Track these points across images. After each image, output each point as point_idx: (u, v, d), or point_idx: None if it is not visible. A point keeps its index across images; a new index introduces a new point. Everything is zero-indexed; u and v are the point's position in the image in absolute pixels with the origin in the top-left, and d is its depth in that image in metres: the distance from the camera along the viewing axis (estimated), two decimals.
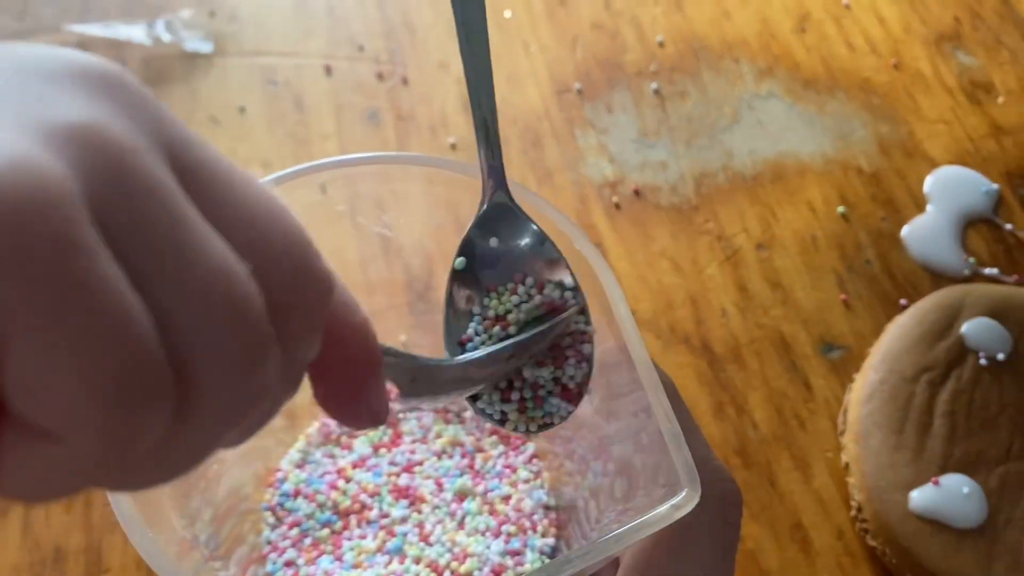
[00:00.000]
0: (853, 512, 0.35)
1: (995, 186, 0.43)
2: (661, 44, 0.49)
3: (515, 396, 0.27)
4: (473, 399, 0.27)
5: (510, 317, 0.27)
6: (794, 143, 0.45)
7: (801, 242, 0.42)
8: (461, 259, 0.28)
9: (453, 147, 0.45)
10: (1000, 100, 0.46)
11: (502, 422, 0.27)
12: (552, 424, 0.27)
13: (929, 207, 0.43)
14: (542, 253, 0.27)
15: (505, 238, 0.28)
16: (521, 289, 0.27)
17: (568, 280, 0.27)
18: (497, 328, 0.27)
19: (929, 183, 0.44)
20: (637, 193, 0.44)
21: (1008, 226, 0.43)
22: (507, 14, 0.50)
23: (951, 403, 0.36)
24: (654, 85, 0.47)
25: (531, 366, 0.27)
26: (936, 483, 0.34)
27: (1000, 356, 0.36)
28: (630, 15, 0.50)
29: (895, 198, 0.43)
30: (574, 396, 0.27)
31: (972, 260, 0.41)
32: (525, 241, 0.28)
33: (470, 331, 0.27)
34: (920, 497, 0.34)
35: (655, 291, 0.41)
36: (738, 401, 0.38)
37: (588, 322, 0.27)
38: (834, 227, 0.43)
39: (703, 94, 0.47)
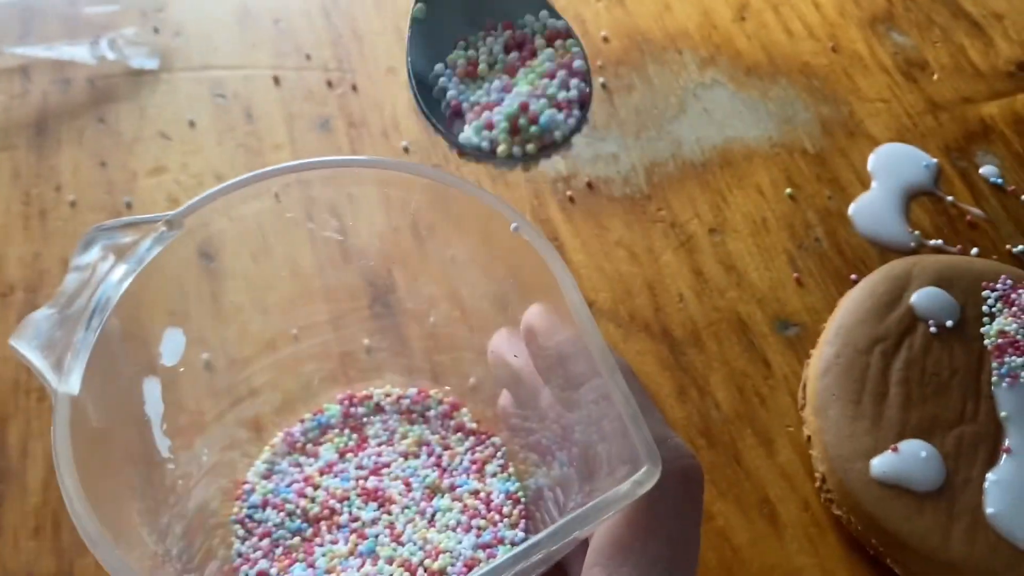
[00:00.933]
0: (817, 483, 0.36)
1: (934, 160, 0.45)
2: (606, 39, 0.49)
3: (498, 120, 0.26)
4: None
5: (479, 62, 0.26)
6: (740, 129, 0.46)
7: (752, 225, 0.43)
8: (420, 6, 0.26)
9: (406, 150, 0.45)
10: (935, 77, 0.48)
11: (493, 152, 0.26)
12: (554, 143, 0.26)
13: (873, 184, 0.44)
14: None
15: None
16: (496, 32, 0.26)
17: (546, 9, 0.26)
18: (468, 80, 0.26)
19: (872, 161, 0.45)
20: (590, 186, 0.44)
21: (949, 198, 0.44)
22: None
23: (905, 371, 0.37)
24: (601, 80, 0.48)
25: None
26: (895, 450, 0.35)
27: (949, 323, 0.38)
28: (574, 12, 0.50)
29: (840, 177, 0.45)
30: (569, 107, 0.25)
31: (917, 233, 0.43)
32: None
33: (442, 81, 0.26)
34: (881, 464, 0.35)
35: (613, 280, 0.42)
36: (699, 383, 0.39)
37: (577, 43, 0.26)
38: (783, 208, 0.44)
39: (649, 86, 0.48)
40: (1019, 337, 0.37)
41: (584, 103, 0.27)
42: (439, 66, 0.27)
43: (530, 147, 0.29)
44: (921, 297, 0.38)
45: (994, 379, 0.36)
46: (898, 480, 0.34)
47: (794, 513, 0.36)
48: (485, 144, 0.28)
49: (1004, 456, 0.35)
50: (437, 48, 0.27)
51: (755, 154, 0.45)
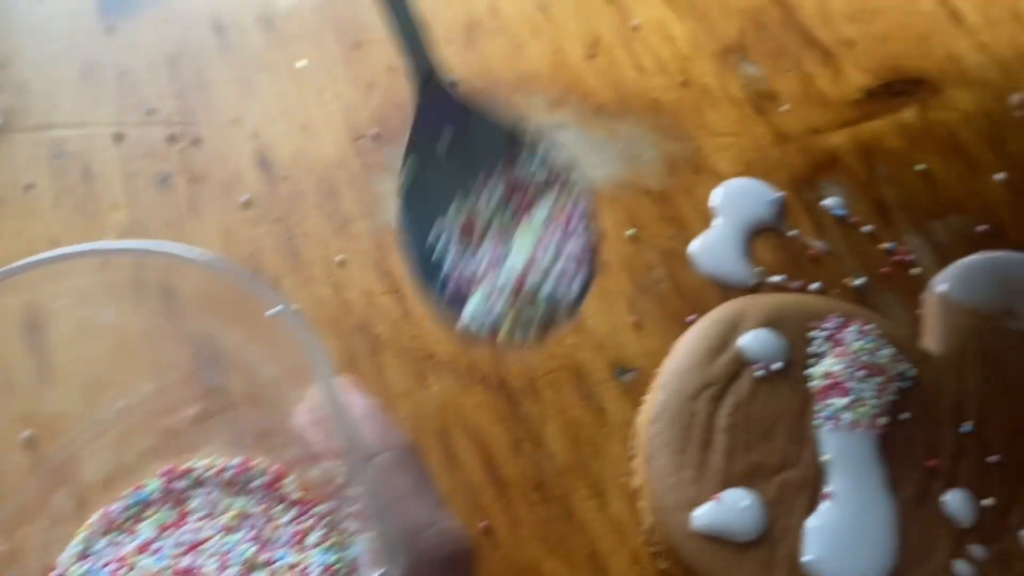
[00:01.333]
0: (644, 536, 0.36)
1: (780, 194, 0.45)
2: (454, 84, 0.49)
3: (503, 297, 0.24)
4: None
5: (477, 220, 0.25)
6: (586, 171, 0.46)
7: None
8: (409, 176, 0.24)
9: (247, 204, 0.45)
10: (784, 108, 0.48)
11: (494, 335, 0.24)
12: (555, 322, 0.23)
13: (716, 221, 0.44)
14: (496, 144, 0.23)
15: (453, 137, 0.24)
16: (492, 181, 0.24)
17: (543, 153, 0.23)
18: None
19: (715, 197, 0.45)
20: None
21: (793, 232, 0.44)
22: (301, 64, 0.49)
23: (731, 417, 0.36)
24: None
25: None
26: (717, 499, 0.35)
27: (776, 366, 0.37)
28: None
29: (683, 215, 0.44)
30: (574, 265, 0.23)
31: (759, 270, 0.42)
32: (477, 135, 0.24)
33: (440, 247, 0.24)
34: (702, 515, 0.34)
35: (453, 332, 0.41)
36: (535, 435, 0.39)
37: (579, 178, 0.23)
38: (625, 250, 0.43)
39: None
40: (841, 379, 0.37)
41: (592, 252, 0.25)
42: (435, 231, 0.25)
43: (531, 332, 0.27)
44: (749, 339, 0.38)
45: (817, 422, 0.36)
46: (719, 531, 0.34)
47: (623, 567, 0.36)
48: (484, 329, 0.26)
49: (823, 502, 0.35)
50: (432, 204, 0.25)
51: (600, 196, 0.45)
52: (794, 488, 0.35)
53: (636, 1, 0.52)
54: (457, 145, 0.25)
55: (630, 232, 0.44)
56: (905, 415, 0.36)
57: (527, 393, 0.40)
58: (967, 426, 0.36)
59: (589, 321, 0.41)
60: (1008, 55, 0.50)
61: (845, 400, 0.36)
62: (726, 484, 0.35)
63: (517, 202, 0.25)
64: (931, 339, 0.39)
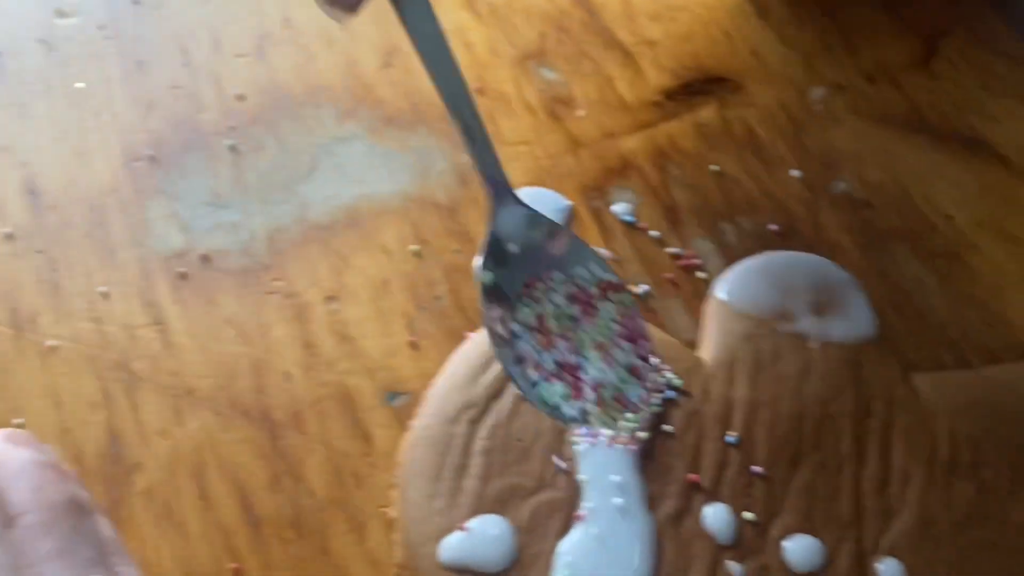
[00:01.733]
0: (395, 571, 0.34)
1: (569, 203, 0.43)
2: (241, 98, 0.47)
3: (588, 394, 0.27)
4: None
5: (550, 324, 0.27)
6: (373, 185, 0.44)
7: (373, 288, 0.41)
8: (489, 274, 0.27)
9: (8, 237, 0.42)
10: (580, 113, 0.47)
11: (586, 420, 0.27)
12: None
13: None
14: (560, 245, 0.28)
15: (521, 240, 0.27)
16: (556, 285, 0.28)
17: (596, 261, 0.27)
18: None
19: None
20: (206, 259, 0.42)
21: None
22: (79, 85, 0.47)
23: (489, 439, 0.35)
24: (229, 142, 0.45)
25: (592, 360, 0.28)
26: (465, 529, 0.33)
27: None
28: (209, 70, 0.48)
29: (471, 229, 0.43)
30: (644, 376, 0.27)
31: None
32: (541, 236, 0.28)
33: (523, 351, 0.27)
34: (449, 546, 0.33)
35: (217, 364, 0.39)
36: (295, 469, 0.37)
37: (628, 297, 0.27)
38: (407, 267, 0.42)
39: (282, 145, 0.45)
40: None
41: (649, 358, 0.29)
42: (515, 327, 0.28)
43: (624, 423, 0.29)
44: None
45: (575, 439, 0.35)
46: (466, 563, 0.33)
47: None
48: (574, 412, 0.29)
49: (576, 523, 0.33)
50: (504, 306, 0.28)
51: (386, 211, 0.43)
52: (548, 512, 0.34)
53: (437, 6, 0.50)
54: (526, 251, 0.28)
55: (413, 248, 0.42)
56: (668, 428, 0.35)
57: (291, 426, 0.38)
58: (732, 437, 0.35)
59: (363, 343, 0.40)
60: (812, 48, 0.49)
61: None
62: (477, 511, 0.33)
63: (580, 306, 0.28)
64: (706, 346, 0.38)
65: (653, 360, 0.31)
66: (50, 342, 0.40)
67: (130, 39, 0.49)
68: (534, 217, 0.29)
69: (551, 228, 0.29)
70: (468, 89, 0.28)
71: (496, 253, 0.29)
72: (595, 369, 0.29)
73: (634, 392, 0.29)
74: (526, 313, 0.30)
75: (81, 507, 0.29)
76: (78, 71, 0.48)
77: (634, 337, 0.29)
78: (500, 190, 0.29)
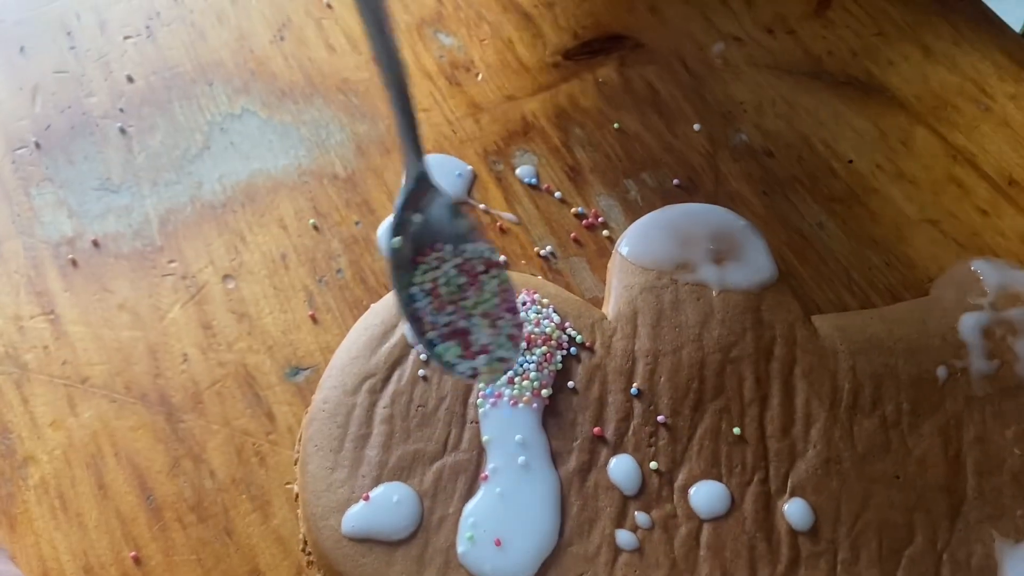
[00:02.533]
0: (301, 545, 0.33)
1: (469, 168, 0.43)
2: (130, 79, 0.45)
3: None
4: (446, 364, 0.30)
5: (441, 290, 0.31)
6: (268, 160, 0.43)
7: (271, 264, 0.40)
8: (398, 239, 0.30)
9: None
10: (479, 77, 0.46)
11: (474, 376, 0.30)
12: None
13: None
14: (455, 222, 0.31)
15: (424, 213, 0.30)
16: (447, 256, 0.31)
17: (484, 241, 0.31)
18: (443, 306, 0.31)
19: None
20: (96, 245, 0.41)
21: (482, 206, 0.42)
22: None
23: (390, 407, 0.34)
24: (119, 125, 0.44)
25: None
26: (367, 499, 0.32)
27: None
28: (97, 54, 0.46)
29: (371, 199, 0.42)
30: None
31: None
32: (441, 212, 0.31)
33: (422, 311, 0.30)
34: (351, 517, 0.32)
35: (112, 350, 0.38)
36: (195, 452, 0.36)
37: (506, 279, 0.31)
38: (305, 241, 0.41)
39: (173, 125, 0.44)
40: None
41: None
42: (414, 290, 0.31)
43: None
44: None
45: (479, 401, 0.34)
46: (369, 532, 0.32)
47: None
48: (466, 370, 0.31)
49: (482, 484, 0.33)
50: (404, 272, 0.31)
51: (281, 185, 0.42)
52: (452, 475, 0.33)
53: None
54: (425, 223, 0.31)
55: (312, 222, 0.41)
56: (572, 384, 0.35)
57: (190, 408, 0.37)
58: (635, 388, 0.35)
59: (264, 320, 0.39)
60: (710, 3, 0.49)
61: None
62: (379, 480, 0.33)
63: (467, 277, 0.31)
64: (609, 302, 0.38)
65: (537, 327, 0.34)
66: None
67: (11, 24, 0.47)
68: (439, 194, 0.31)
69: (454, 207, 0.31)
70: (404, 65, 0.30)
71: (403, 223, 0.31)
72: (482, 334, 0.31)
73: (514, 354, 0.31)
74: (422, 279, 0.31)
75: None
76: None
77: (513, 310, 0.31)
78: (414, 165, 0.30)
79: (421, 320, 0.31)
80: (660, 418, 0.34)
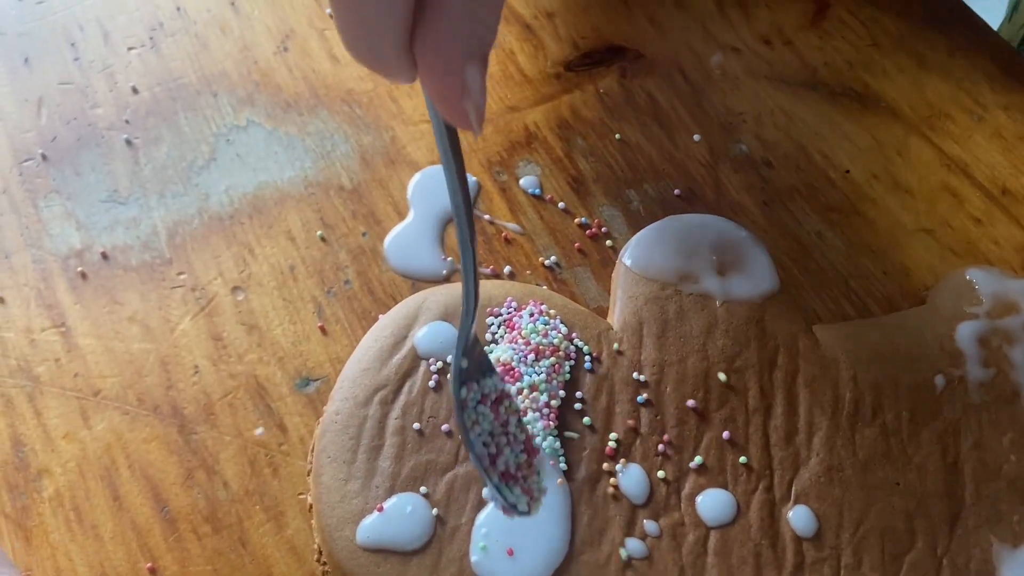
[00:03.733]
0: (316, 555, 0.34)
1: (474, 179, 0.43)
2: (135, 90, 0.46)
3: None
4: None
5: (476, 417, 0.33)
6: (274, 172, 0.44)
7: (280, 276, 0.41)
8: (464, 390, 0.32)
9: None
10: None
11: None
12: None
13: (410, 213, 0.42)
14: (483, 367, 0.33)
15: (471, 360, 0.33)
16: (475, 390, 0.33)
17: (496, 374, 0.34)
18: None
19: (410, 188, 0.43)
20: (105, 257, 0.41)
21: (486, 217, 0.42)
22: None
23: (402, 418, 0.35)
24: (125, 136, 0.44)
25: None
26: (381, 509, 0.33)
27: (449, 358, 0.36)
28: (101, 65, 0.46)
29: (377, 210, 0.43)
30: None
31: (450, 259, 0.41)
32: (475, 353, 0.33)
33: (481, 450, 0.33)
34: (366, 528, 0.33)
35: (123, 362, 0.38)
36: (209, 463, 0.36)
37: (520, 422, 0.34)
38: (313, 253, 0.41)
39: (179, 137, 0.44)
40: (512, 365, 0.35)
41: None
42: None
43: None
44: (423, 334, 0.36)
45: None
46: (383, 542, 0.32)
47: None
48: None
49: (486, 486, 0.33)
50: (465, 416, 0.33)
51: (288, 197, 0.43)
52: (463, 486, 0.34)
53: None
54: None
55: (320, 233, 0.42)
56: (579, 394, 0.35)
57: (202, 420, 0.37)
58: (641, 398, 0.36)
59: (273, 332, 0.39)
60: (708, 14, 0.50)
61: (515, 387, 0.35)
62: (392, 491, 0.33)
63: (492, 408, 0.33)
64: (614, 312, 0.38)
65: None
66: None
67: (14, 36, 0.47)
68: (476, 339, 0.33)
69: (480, 347, 0.33)
70: (472, 216, 0.31)
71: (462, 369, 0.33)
72: (502, 457, 0.33)
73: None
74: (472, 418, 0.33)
75: None
76: None
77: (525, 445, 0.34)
78: (472, 317, 0.32)
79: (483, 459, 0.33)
80: (667, 427, 0.35)
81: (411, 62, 0.25)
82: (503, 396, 0.34)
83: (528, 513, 0.32)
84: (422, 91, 0.27)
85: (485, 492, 0.33)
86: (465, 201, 0.29)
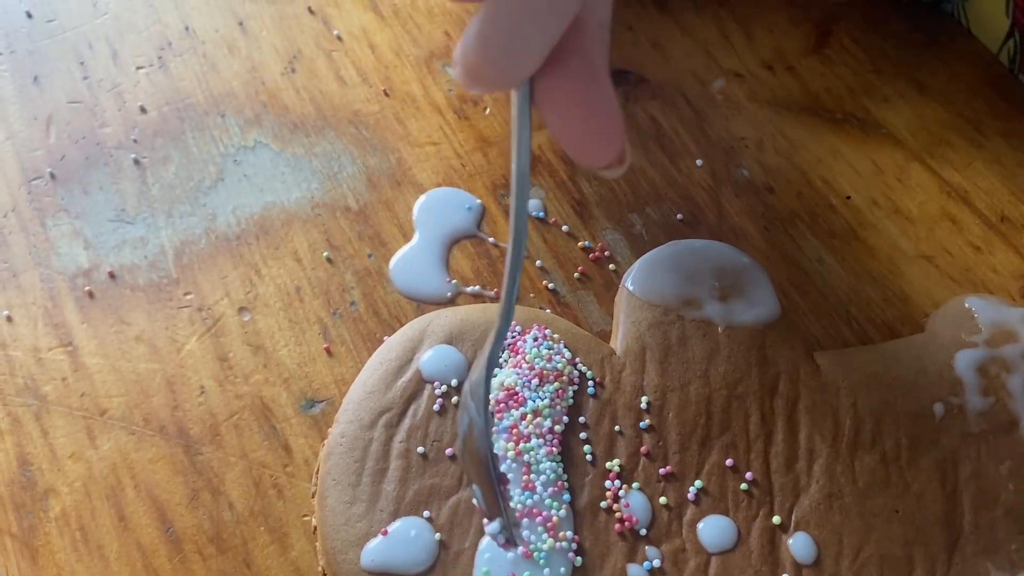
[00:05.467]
0: None
1: (478, 201, 0.44)
2: (143, 110, 0.46)
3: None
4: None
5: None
6: (281, 193, 0.44)
7: (286, 297, 0.41)
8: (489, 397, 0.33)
9: None
10: (487, 111, 0.47)
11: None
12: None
13: (415, 235, 0.43)
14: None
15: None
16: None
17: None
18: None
19: (416, 210, 0.44)
20: (113, 276, 0.41)
21: (491, 239, 0.43)
22: None
23: (406, 441, 0.35)
24: (133, 156, 0.45)
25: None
26: (385, 533, 0.33)
27: (454, 382, 0.36)
28: (110, 84, 0.47)
29: (383, 232, 0.43)
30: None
31: (455, 282, 0.41)
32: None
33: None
34: (370, 551, 0.33)
35: (130, 382, 0.39)
36: (214, 484, 0.37)
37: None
38: (319, 274, 0.42)
39: (186, 156, 0.45)
40: (516, 390, 0.36)
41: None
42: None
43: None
44: (428, 358, 0.37)
45: (493, 436, 0.35)
46: (387, 566, 0.33)
47: None
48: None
49: (497, 519, 0.34)
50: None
51: (295, 218, 0.43)
52: (467, 509, 0.34)
53: (339, 9, 0.50)
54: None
55: (326, 254, 0.42)
56: (583, 419, 0.36)
57: (207, 440, 0.37)
58: (644, 423, 0.36)
59: (279, 353, 0.40)
60: (711, 39, 0.50)
61: (518, 412, 0.35)
62: (398, 513, 0.34)
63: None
64: (617, 336, 0.39)
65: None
66: None
67: (24, 54, 0.48)
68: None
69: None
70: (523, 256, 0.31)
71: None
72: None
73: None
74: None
75: None
76: None
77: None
78: (506, 331, 0.32)
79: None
80: (669, 453, 0.35)
81: (527, 77, 0.24)
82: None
83: (537, 550, 0.33)
84: (517, 112, 0.26)
85: (488, 525, 0.33)
86: (519, 238, 0.29)
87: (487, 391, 0.33)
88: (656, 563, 0.33)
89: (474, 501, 0.33)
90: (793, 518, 0.35)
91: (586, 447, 0.35)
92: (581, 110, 0.24)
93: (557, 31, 0.23)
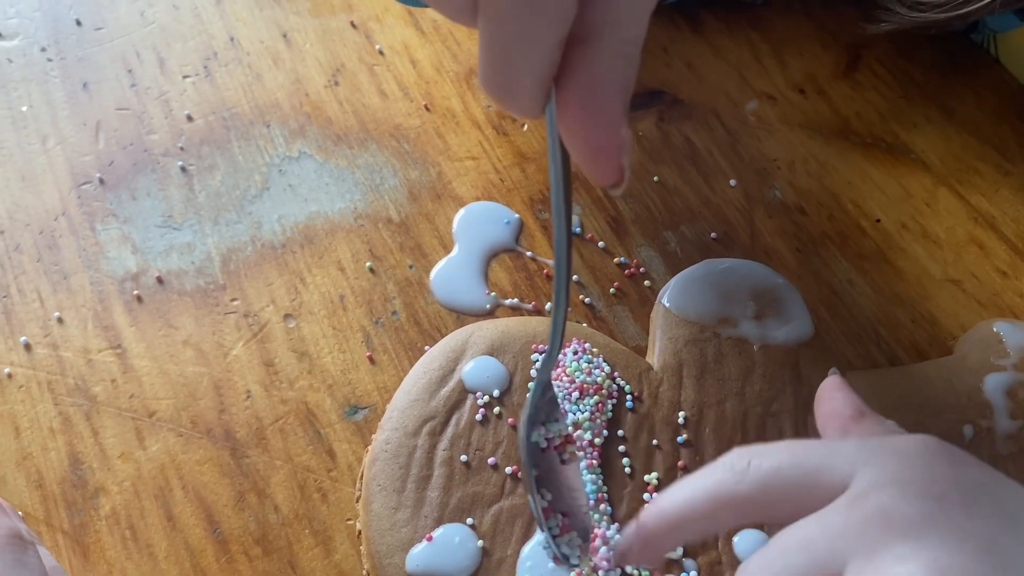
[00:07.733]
0: None
1: (516, 216, 0.45)
2: (189, 118, 0.47)
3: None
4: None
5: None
6: (324, 203, 0.45)
7: (330, 305, 0.42)
8: (538, 433, 0.35)
9: None
10: (525, 127, 0.48)
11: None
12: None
13: (455, 248, 0.44)
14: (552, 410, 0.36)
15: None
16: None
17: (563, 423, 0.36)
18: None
19: (456, 223, 0.45)
20: (160, 281, 0.42)
21: (528, 253, 0.44)
22: (23, 108, 0.47)
23: (450, 450, 0.36)
24: (180, 163, 0.46)
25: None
26: (430, 539, 0.34)
27: (496, 392, 0.37)
28: (157, 92, 0.48)
29: (423, 243, 0.44)
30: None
31: (494, 294, 0.42)
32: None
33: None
34: (415, 556, 0.34)
35: (177, 385, 0.40)
36: (260, 486, 0.38)
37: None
38: (362, 283, 0.43)
39: (232, 165, 0.46)
40: (559, 402, 0.37)
41: None
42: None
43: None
44: (470, 368, 0.38)
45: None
46: (432, 571, 0.34)
47: None
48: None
49: (538, 528, 0.35)
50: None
51: (338, 228, 0.44)
52: (509, 518, 0.35)
53: (381, 24, 0.51)
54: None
55: (368, 264, 0.43)
56: (621, 432, 0.37)
57: (254, 444, 0.38)
58: (681, 438, 0.37)
59: (323, 360, 0.41)
60: (745, 61, 0.51)
61: (559, 424, 0.36)
62: (440, 521, 0.35)
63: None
64: (654, 353, 0.40)
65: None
66: (6, 369, 0.40)
67: (74, 61, 0.49)
68: (549, 382, 0.35)
69: (551, 391, 0.35)
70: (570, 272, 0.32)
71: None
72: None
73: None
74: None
75: (22, 539, 0.29)
76: (22, 94, 0.48)
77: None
78: (555, 355, 0.32)
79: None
80: None
81: (544, 101, 0.24)
82: (567, 441, 0.35)
83: (579, 566, 0.34)
84: (548, 128, 0.26)
85: (539, 538, 0.34)
86: (568, 256, 0.29)
87: (533, 410, 0.34)
88: (692, 575, 0.34)
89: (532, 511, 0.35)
90: None
91: (624, 460, 0.36)
92: (581, 126, 0.24)
93: (549, 50, 0.22)
